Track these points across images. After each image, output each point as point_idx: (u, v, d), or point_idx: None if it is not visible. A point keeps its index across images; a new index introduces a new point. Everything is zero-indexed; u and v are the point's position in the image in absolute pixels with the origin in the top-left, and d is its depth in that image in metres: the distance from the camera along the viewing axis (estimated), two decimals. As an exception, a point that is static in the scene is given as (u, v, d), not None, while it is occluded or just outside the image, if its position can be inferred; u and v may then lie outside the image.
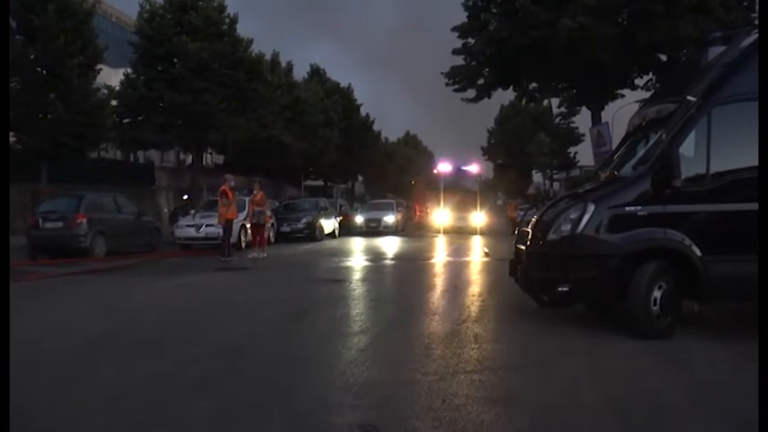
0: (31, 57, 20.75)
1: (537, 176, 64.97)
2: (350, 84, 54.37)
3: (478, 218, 28.89)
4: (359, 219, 28.75)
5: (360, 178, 64.61)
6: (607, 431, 3.89)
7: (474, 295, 9.32)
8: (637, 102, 18.75)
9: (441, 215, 29.11)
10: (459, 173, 31.69)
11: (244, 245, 18.02)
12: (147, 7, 28.07)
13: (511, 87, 27.86)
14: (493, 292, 9.43)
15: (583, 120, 61.67)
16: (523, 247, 7.25)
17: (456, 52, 26.39)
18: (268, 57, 34.45)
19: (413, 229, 32.69)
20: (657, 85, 22.27)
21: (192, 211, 20.74)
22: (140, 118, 28.22)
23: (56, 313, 8.45)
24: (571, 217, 6.46)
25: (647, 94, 19.87)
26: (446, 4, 36.34)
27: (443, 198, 29.11)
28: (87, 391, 4.62)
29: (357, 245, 21.24)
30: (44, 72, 21.28)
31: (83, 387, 4.74)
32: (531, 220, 7.46)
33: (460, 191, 29.75)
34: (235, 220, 16.20)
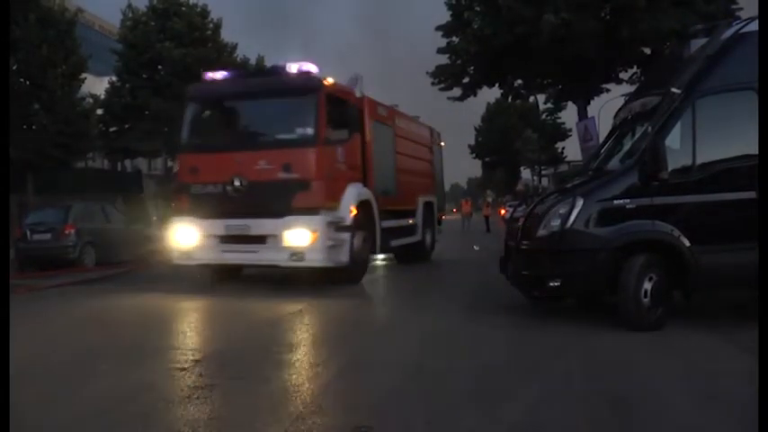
0: (13, 67, 20.59)
1: (525, 173, 65.10)
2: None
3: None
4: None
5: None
6: (601, 423, 3.90)
7: (464, 292, 9.32)
8: (622, 96, 18.83)
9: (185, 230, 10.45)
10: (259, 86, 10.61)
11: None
12: (130, 15, 28.00)
13: (496, 85, 27.86)
14: (483, 289, 9.44)
15: (569, 115, 62.19)
16: (513, 244, 7.27)
17: (440, 51, 26.39)
18: (253, 62, 34.32)
19: None
20: (642, 79, 22.38)
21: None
22: (126, 126, 28.11)
23: (45, 325, 8.36)
24: (560, 212, 6.49)
25: (632, 88, 19.92)
26: (427, 6, 36.39)
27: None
28: (77, 403, 4.57)
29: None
30: (27, 82, 21.10)
31: (73, 399, 4.68)
32: (520, 217, 7.48)
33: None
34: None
